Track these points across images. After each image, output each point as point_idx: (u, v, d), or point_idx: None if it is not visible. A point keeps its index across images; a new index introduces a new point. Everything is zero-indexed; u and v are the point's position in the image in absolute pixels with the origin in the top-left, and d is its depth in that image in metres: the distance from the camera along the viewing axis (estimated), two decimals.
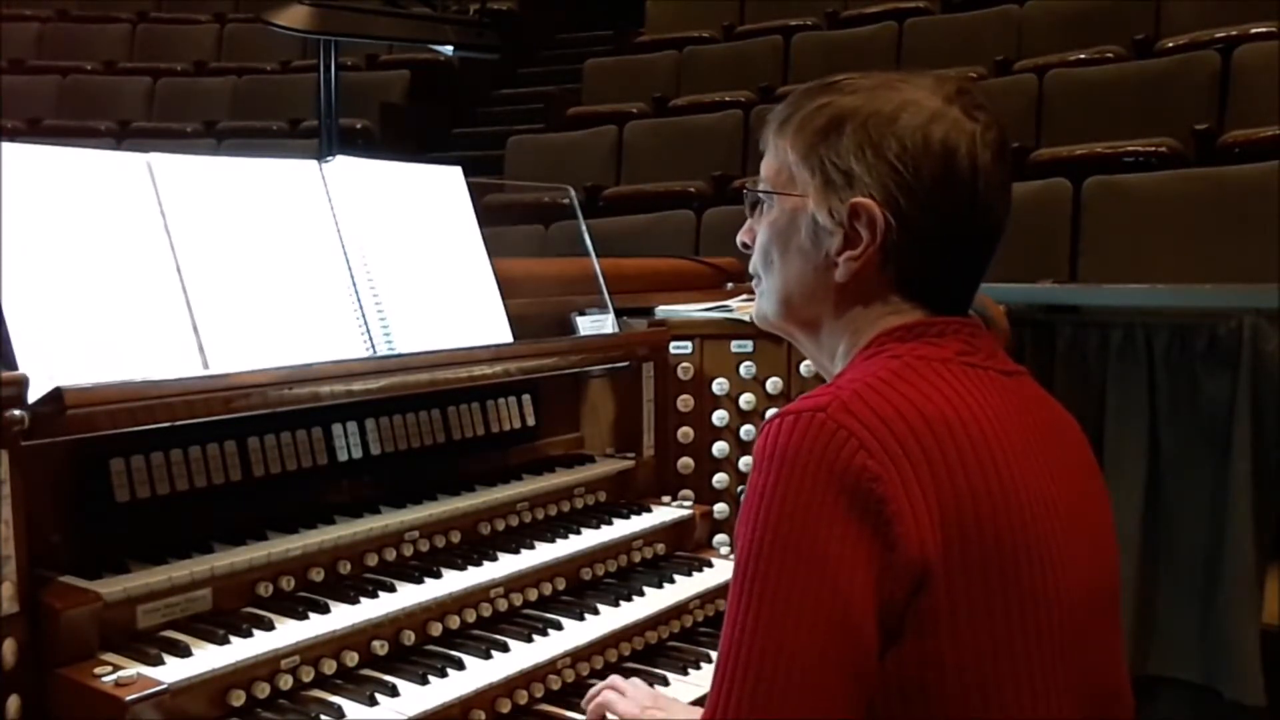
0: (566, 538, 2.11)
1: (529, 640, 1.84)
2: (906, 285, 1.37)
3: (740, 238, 1.51)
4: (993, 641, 1.21)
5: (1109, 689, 1.35)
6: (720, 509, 2.58)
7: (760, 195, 1.46)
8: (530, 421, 2.31)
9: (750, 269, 1.51)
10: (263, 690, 1.56)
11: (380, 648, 1.72)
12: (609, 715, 1.69)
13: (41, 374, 1.47)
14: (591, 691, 1.74)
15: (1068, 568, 1.27)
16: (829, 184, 1.35)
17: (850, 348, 1.40)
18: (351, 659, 1.67)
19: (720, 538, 2.56)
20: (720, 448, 2.59)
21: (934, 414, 1.23)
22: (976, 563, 1.20)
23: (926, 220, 1.33)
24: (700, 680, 1.93)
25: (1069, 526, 1.29)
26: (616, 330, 2.53)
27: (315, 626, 1.64)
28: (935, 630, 1.19)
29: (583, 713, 1.77)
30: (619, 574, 2.19)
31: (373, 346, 2.01)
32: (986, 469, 1.23)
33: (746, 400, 2.58)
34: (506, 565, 1.95)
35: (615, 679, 1.75)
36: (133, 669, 1.44)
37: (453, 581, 1.85)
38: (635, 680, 1.77)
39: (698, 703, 1.81)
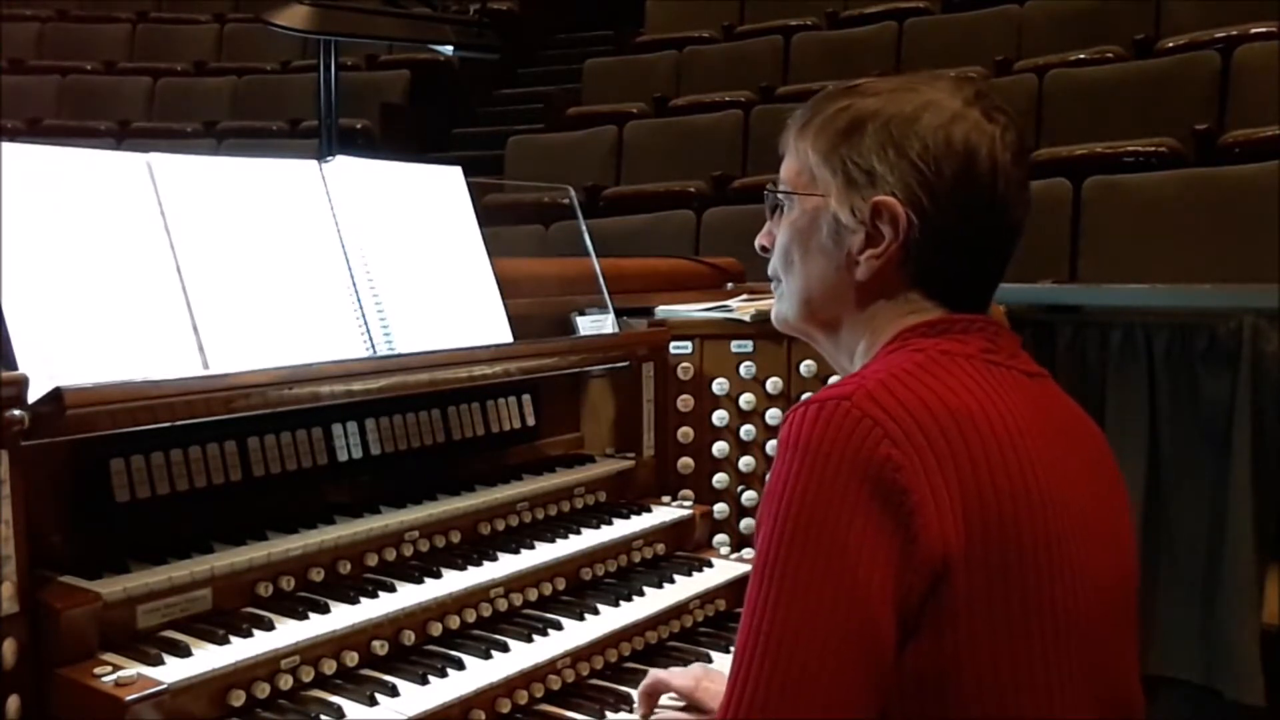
0: (566, 538, 2.11)
1: (529, 640, 1.84)
2: (927, 284, 1.37)
3: (759, 241, 1.52)
4: (1009, 638, 1.21)
5: (1122, 689, 1.35)
6: (720, 509, 2.58)
7: (780, 197, 1.46)
8: (530, 421, 2.31)
9: (769, 272, 1.51)
10: (263, 690, 1.56)
11: (380, 648, 1.72)
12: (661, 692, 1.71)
13: (41, 374, 1.47)
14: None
15: (1085, 568, 1.27)
16: (851, 183, 1.36)
17: (870, 345, 1.40)
18: (351, 659, 1.67)
19: (720, 538, 2.56)
20: (720, 448, 2.59)
21: (958, 407, 1.24)
22: (996, 559, 1.20)
23: (948, 219, 1.34)
24: None
25: (1087, 528, 1.30)
26: (616, 330, 2.53)
27: (315, 626, 1.64)
28: (953, 625, 1.19)
29: (583, 713, 1.78)
30: (619, 574, 2.19)
31: (373, 346, 2.01)
32: (1010, 465, 1.23)
33: (746, 400, 2.58)
34: (506, 565, 1.95)
35: (656, 671, 1.77)
36: (133, 669, 1.44)
37: (453, 581, 1.85)
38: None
39: None
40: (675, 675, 1.72)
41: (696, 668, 1.76)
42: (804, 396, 2.55)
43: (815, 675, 1.15)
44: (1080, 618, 1.26)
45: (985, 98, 1.37)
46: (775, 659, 1.17)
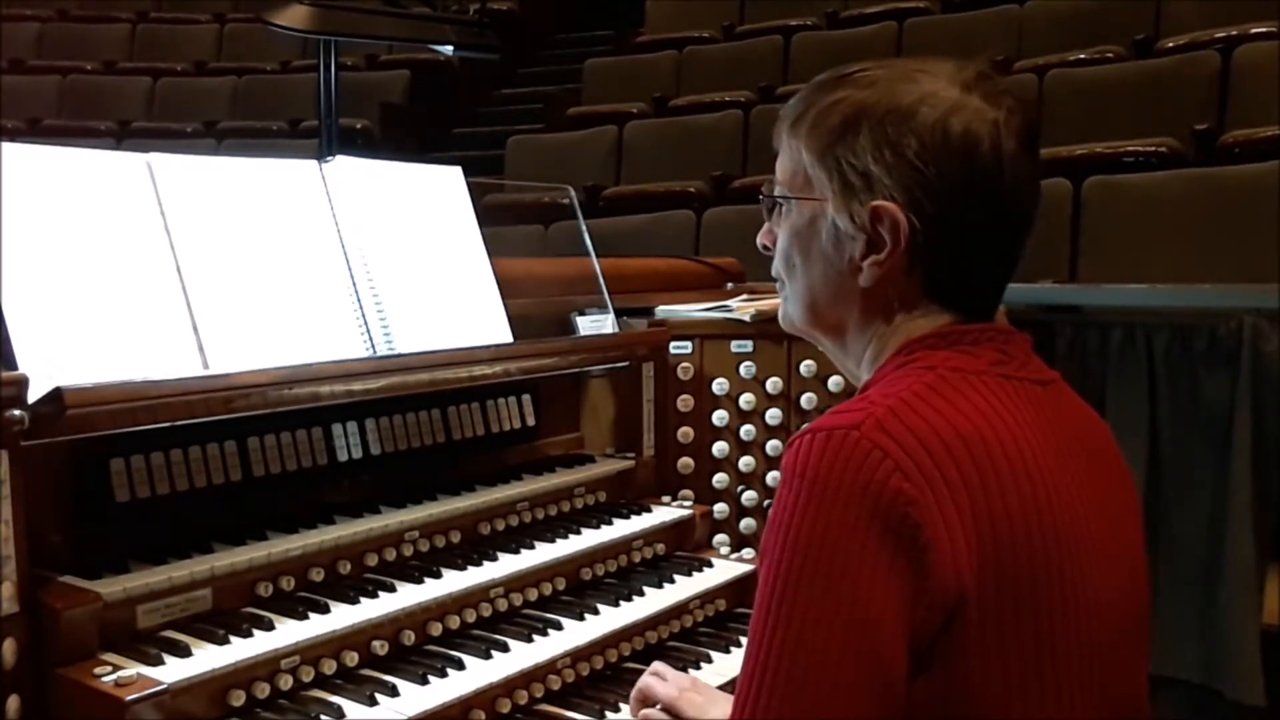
0: (566, 538, 2.11)
1: (529, 640, 1.84)
2: (934, 288, 1.33)
3: (760, 240, 1.47)
4: (1021, 666, 1.19)
5: (1130, 701, 1.33)
6: (720, 509, 2.58)
7: (777, 200, 1.42)
8: (530, 421, 2.31)
9: (773, 272, 1.47)
10: (263, 690, 1.56)
11: (380, 648, 1.72)
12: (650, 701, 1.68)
13: (41, 374, 1.47)
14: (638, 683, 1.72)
15: (1097, 591, 1.25)
16: (848, 187, 1.31)
17: (878, 353, 1.36)
18: (351, 659, 1.67)
19: (720, 538, 2.56)
20: (720, 448, 2.60)
21: (970, 433, 1.20)
22: (1009, 589, 1.17)
23: (952, 219, 1.28)
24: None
25: (1100, 542, 1.27)
26: (616, 330, 2.53)
27: (315, 626, 1.64)
28: (964, 657, 1.16)
29: (583, 713, 1.78)
30: (619, 574, 2.19)
31: (373, 346, 2.01)
32: (1022, 489, 1.20)
33: (746, 400, 2.58)
34: (506, 565, 1.95)
35: (656, 665, 1.73)
36: (133, 669, 1.44)
37: (453, 581, 1.85)
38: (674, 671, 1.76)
39: (725, 686, 1.80)
40: (660, 685, 1.68)
41: (685, 678, 1.73)
42: (804, 397, 2.56)
43: (823, 712, 1.13)
44: (1091, 640, 1.23)
45: (987, 79, 1.31)
46: (784, 696, 1.13)
